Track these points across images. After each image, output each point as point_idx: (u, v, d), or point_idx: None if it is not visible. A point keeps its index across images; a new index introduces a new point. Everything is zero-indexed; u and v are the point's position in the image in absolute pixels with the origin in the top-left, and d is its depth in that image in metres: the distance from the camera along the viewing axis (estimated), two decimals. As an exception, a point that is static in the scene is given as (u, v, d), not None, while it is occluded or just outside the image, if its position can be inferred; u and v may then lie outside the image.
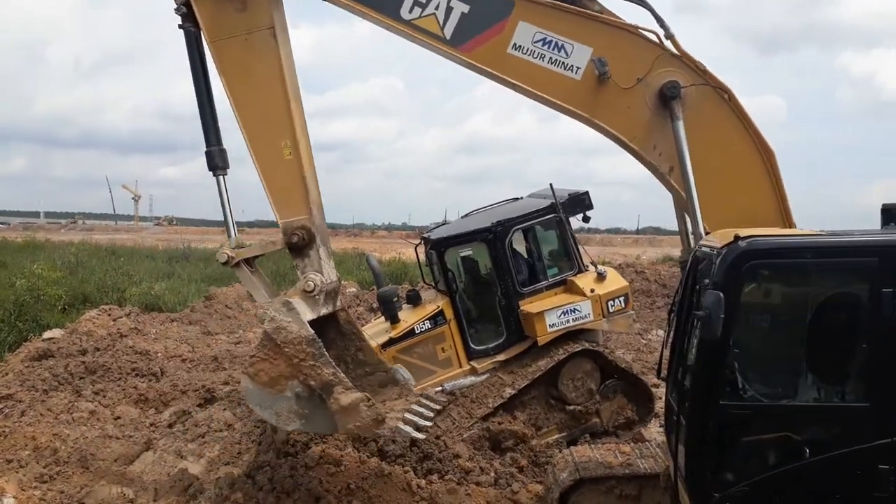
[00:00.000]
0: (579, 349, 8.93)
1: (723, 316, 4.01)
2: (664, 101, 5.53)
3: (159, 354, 13.40)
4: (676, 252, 41.25)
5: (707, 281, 4.26)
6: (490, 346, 9.31)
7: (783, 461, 4.30)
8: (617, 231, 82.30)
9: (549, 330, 8.93)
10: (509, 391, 8.61)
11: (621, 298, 9.40)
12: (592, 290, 9.22)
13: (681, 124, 5.50)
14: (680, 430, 4.67)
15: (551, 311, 8.96)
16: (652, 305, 23.19)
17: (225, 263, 5.97)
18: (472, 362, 9.19)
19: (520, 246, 9.75)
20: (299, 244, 5.89)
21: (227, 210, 6.13)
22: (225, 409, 9.55)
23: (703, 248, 4.94)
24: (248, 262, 6.10)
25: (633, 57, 5.61)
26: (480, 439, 8.24)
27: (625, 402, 9.18)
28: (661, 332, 18.06)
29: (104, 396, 10.31)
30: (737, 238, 4.26)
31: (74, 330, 14.84)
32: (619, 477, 6.20)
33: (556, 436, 8.73)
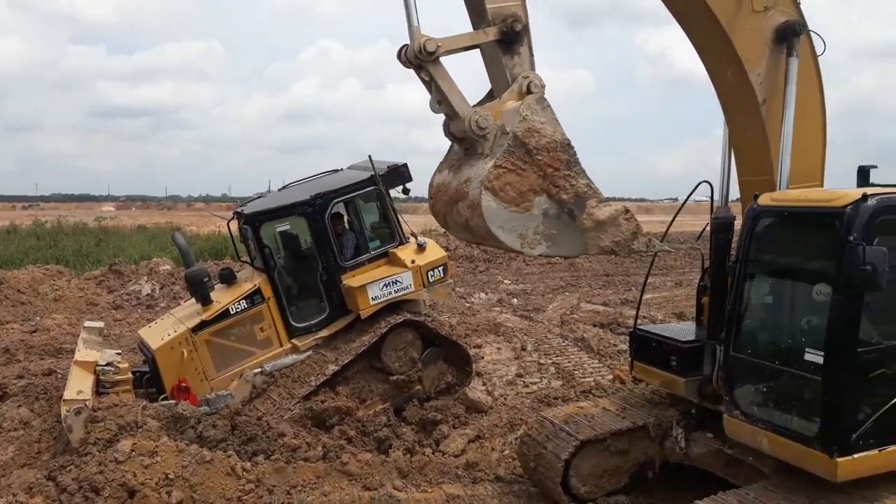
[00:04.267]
0: (401, 320, 9.10)
1: (887, 269, 4.40)
2: (780, 37, 5.68)
3: (-64, 350, 11.79)
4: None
5: (851, 238, 4.61)
6: (312, 322, 9.17)
7: None
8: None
9: (372, 303, 8.98)
10: (332, 368, 8.58)
11: (440, 268, 9.69)
12: (413, 262, 9.39)
13: (795, 61, 5.68)
14: (791, 383, 5.05)
15: (373, 284, 9.02)
16: (475, 270, 24.26)
17: (431, 53, 4.70)
18: (293, 340, 9.01)
19: (340, 219, 9.70)
20: (512, 36, 4.93)
21: None
22: (20, 406, 8.61)
23: (798, 207, 5.25)
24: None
25: None
26: (303, 418, 8.16)
27: (445, 368, 9.53)
28: (483, 295, 18.93)
29: None
30: (865, 196, 4.72)
31: None
32: (613, 434, 6.34)
33: (381, 406, 8.89)
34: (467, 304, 17.14)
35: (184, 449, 6.97)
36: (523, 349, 12.30)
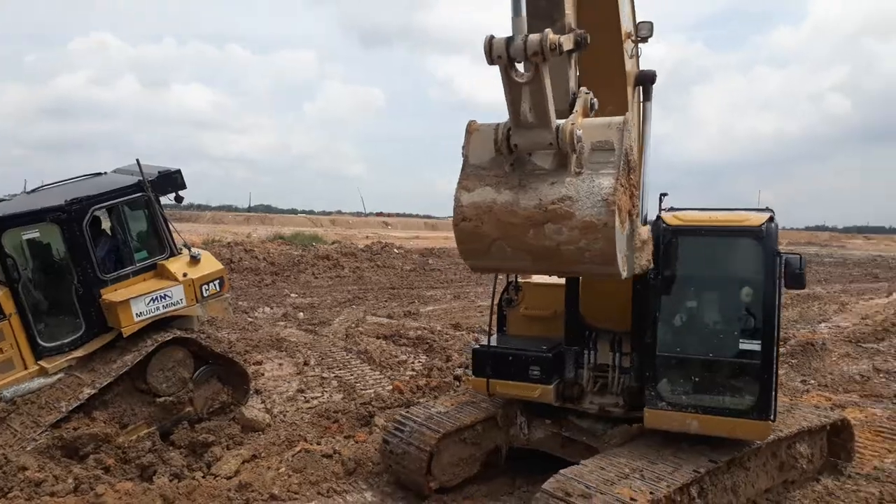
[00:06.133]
0: (170, 337, 8.53)
1: None
2: (638, 82, 6.05)
3: None
4: (286, 230, 42.23)
5: (776, 249, 5.84)
6: (65, 341, 8.22)
7: None
8: (229, 208, 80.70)
9: (137, 319, 8.33)
10: (88, 392, 7.77)
11: (216, 282, 9.26)
12: (185, 275, 8.90)
13: (650, 104, 6.18)
14: (726, 370, 6.04)
15: (138, 299, 8.37)
16: (260, 283, 23.47)
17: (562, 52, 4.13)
18: (41, 362, 8.02)
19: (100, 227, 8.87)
20: (583, 47, 4.56)
21: None
22: None
23: (715, 226, 6.23)
24: None
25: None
26: (51, 449, 7.27)
27: (220, 387, 9.09)
28: (267, 310, 18.34)
29: None
30: (772, 218, 5.94)
31: None
32: (468, 426, 6.88)
33: (145, 430, 8.22)
34: (250, 319, 16.53)
35: None
36: (306, 364, 12.14)
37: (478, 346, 7.16)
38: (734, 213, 6.41)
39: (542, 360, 6.65)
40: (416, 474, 6.74)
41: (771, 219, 5.99)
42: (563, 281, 7.02)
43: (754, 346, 5.94)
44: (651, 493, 5.36)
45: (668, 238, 6.17)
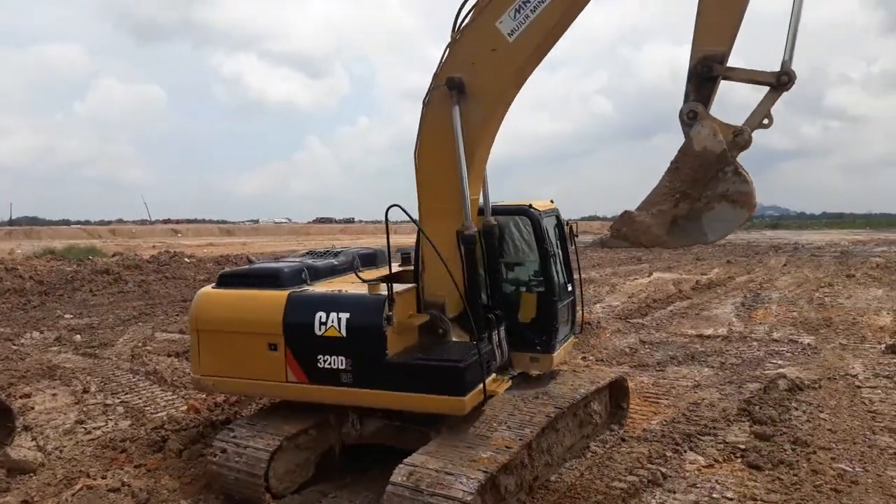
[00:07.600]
0: None
1: None
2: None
3: None
4: (57, 244, 38.48)
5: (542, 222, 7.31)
6: None
7: None
8: (-17, 222, 70.79)
9: None
10: None
11: (-35, 309, 8.08)
12: (-77, 304, 7.66)
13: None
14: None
15: None
16: (26, 305, 20.95)
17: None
18: None
19: None
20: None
21: None
22: None
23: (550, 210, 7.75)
24: None
25: None
26: None
27: (-28, 430, 7.97)
28: (36, 335, 16.35)
29: None
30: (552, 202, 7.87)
31: None
32: (303, 430, 6.82)
33: None
34: (14, 347, 14.65)
35: None
36: (86, 391, 11.00)
37: (458, 366, 6.05)
38: (538, 201, 7.68)
39: (488, 352, 6.54)
40: (255, 480, 6.49)
41: (552, 202, 7.92)
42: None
43: (569, 286, 7.88)
44: (521, 439, 6.26)
45: (536, 219, 7.33)
